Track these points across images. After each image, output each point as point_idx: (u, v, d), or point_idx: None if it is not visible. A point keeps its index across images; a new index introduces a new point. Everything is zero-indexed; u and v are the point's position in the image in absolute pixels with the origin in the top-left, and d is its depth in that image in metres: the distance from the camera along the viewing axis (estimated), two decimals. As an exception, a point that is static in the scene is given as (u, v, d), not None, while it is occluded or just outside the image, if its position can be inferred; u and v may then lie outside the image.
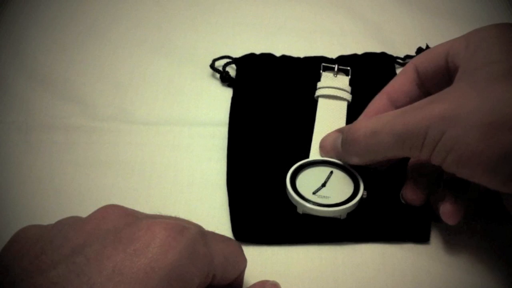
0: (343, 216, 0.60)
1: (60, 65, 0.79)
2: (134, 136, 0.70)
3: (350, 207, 0.59)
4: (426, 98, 0.54)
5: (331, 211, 0.59)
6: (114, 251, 0.41)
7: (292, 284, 0.58)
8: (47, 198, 0.65)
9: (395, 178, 0.64)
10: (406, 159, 0.66)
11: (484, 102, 0.49)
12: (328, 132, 0.67)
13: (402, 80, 0.63)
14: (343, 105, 0.70)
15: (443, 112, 0.50)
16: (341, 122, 0.68)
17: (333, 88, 0.70)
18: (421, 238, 0.60)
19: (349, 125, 0.60)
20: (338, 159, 0.63)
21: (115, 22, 0.84)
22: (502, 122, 0.47)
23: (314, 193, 0.61)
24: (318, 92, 0.71)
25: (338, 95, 0.70)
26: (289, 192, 0.61)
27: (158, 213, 0.47)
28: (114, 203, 0.64)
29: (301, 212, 0.61)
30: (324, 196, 0.60)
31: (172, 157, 0.68)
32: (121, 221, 0.44)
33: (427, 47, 0.78)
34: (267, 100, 0.72)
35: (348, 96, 0.70)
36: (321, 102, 0.70)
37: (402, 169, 0.65)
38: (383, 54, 0.77)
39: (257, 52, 0.77)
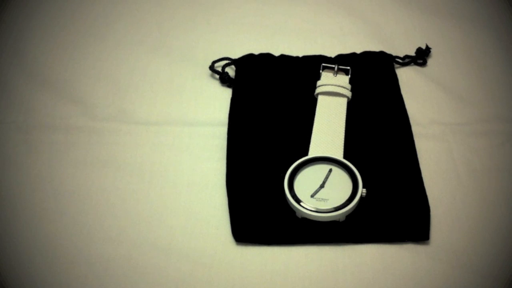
0: (342, 219, 0.60)
1: (60, 65, 0.79)
2: (134, 136, 0.70)
3: (348, 210, 0.60)
4: None
5: (329, 216, 0.59)
6: None
7: (292, 284, 0.58)
8: (47, 198, 0.65)
9: (395, 177, 0.64)
10: (405, 156, 0.66)
11: None
12: (328, 129, 0.67)
13: None
14: (343, 102, 0.70)
15: None
16: (341, 118, 0.68)
17: (333, 85, 0.70)
18: (421, 236, 0.60)
19: None
20: None
21: (115, 22, 0.84)
22: None
23: (312, 195, 0.61)
24: (318, 90, 0.71)
25: (338, 91, 0.70)
26: (287, 198, 0.61)
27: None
28: (114, 203, 0.64)
29: (300, 217, 0.61)
30: (322, 199, 0.60)
31: (172, 157, 0.68)
32: None
33: (427, 47, 0.78)
34: (267, 100, 0.72)
35: (348, 93, 0.70)
36: (321, 99, 0.70)
37: (401, 168, 0.65)
38: (382, 53, 0.77)
39: (257, 52, 0.77)
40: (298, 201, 0.60)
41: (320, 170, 0.63)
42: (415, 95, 0.74)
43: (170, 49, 0.81)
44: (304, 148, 0.66)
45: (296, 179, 0.62)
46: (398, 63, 0.77)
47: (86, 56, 0.80)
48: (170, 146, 0.69)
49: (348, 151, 0.65)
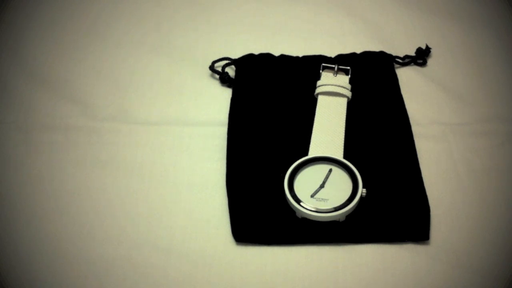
0: (342, 219, 0.60)
1: (60, 65, 0.79)
2: (134, 136, 0.70)
3: (348, 210, 0.60)
4: None
5: (329, 216, 0.59)
6: None
7: (292, 284, 0.58)
8: (47, 198, 0.65)
9: (395, 177, 0.64)
10: (405, 157, 0.66)
11: None
12: (328, 129, 0.67)
13: None
14: (343, 102, 0.70)
15: None
16: (341, 118, 0.68)
17: (333, 85, 0.70)
18: (421, 236, 0.60)
19: None
20: None
21: (115, 22, 0.84)
22: None
23: (312, 195, 0.61)
24: (318, 90, 0.71)
25: (338, 91, 0.70)
26: (287, 198, 0.61)
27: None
28: (114, 203, 0.64)
29: (300, 217, 0.61)
30: (322, 199, 0.60)
31: (172, 157, 0.68)
32: None
33: (427, 47, 0.78)
34: (267, 100, 0.72)
35: (348, 93, 0.70)
36: (321, 99, 0.70)
37: (401, 168, 0.65)
38: (382, 53, 0.77)
39: (257, 52, 0.77)
40: (298, 201, 0.60)
41: (320, 170, 0.63)
42: (415, 95, 0.74)
43: (170, 49, 0.81)
44: (304, 148, 0.66)
45: (296, 179, 0.62)
46: (398, 63, 0.77)
47: (86, 56, 0.80)
48: (170, 146, 0.69)
49: (348, 151, 0.65)
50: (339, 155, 0.64)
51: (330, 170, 0.63)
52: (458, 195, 0.64)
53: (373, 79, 0.74)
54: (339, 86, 0.70)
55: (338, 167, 0.63)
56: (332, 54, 0.77)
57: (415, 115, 0.71)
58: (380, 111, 0.71)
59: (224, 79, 0.75)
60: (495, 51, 0.79)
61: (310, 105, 0.70)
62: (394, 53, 0.77)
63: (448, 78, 0.76)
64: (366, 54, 0.77)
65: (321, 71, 0.73)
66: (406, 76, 0.76)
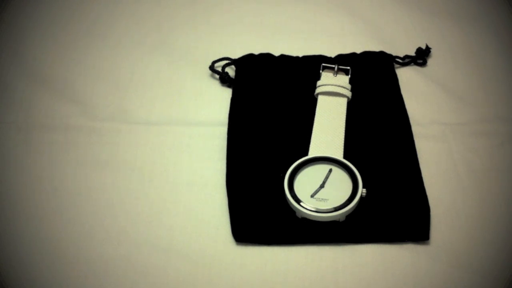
0: (342, 219, 0.60)
1: (60, 65, 0.79)
2: (134, 136, 0.70)
3: (348, 210, 0.60)
4: None
5: (329, 216, 0.59)
6: None
7: (292, 284, 0.58)
8: (47, 198, 0.65)
9: (395, 177, 0.64)
10: (405, 156, 0.66)
11: None
12: (328, 129, 0.67)
13: None
14: (343, 102, 0.70)
15: None
16: (341, 118, 0.68)
17: (333, 85, 0.70)
18: (421, 236, 0.60)
19: None
20: None
21: (115, 22, 0.84)
22: None
23: (312, 195, 0.61)
24: (318, 90, 0.71)
25: (338, 91, 0.70)
26: (287, 198, 0.61)
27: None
28: (114, 203, 0.64)
29: (300, 217, 0.61)
30: (322, 199, 0.60)
31: (172, 157, 0.68)
32: None
33: (427, 47, 0.78)
34: (267, 100, 0.72)
35: (348, 93, 0.70)
36: (321, 99, 0.70)
37: (401, 168, 0.65)
38: (382, 53, 0.77)
39: (257, 52, 0.77)
40: (298, 201, 0.60)
41: (320, 170, 0.63)
42: (415, 95, 0.74)
43: (170, 49, 0.81)
44: (304, 148, 0.66)
45: (296, 179, 0.62)
46: (398, 63, 0.77)
47: (86, 56, 0.80)
48: (170, 146, 0.69)
49: (348, 151, 0.65)
50: (339, 155, 0.64)
51: (330, 170, 0.63)
52: (458, 195, 0.64)
53: (373, 79, 0.74)
54: (339, 86, 0.70)
55: (338, 167, 0.63)
56: (332, 54, 0.77)
57: (415, 115, 0.71)
58: (380, 111, 0.71)
59: (224, 79, 0.75)
60: (495, 51, 0.79)
61: (310, 105, 0.70)
62: (394, 53, 0.77)
63: (448, 78, 0.76)
64: (366, 54, 0.77)
65: (321, 71, 0.73)
66: (406, 76, 0.76)
